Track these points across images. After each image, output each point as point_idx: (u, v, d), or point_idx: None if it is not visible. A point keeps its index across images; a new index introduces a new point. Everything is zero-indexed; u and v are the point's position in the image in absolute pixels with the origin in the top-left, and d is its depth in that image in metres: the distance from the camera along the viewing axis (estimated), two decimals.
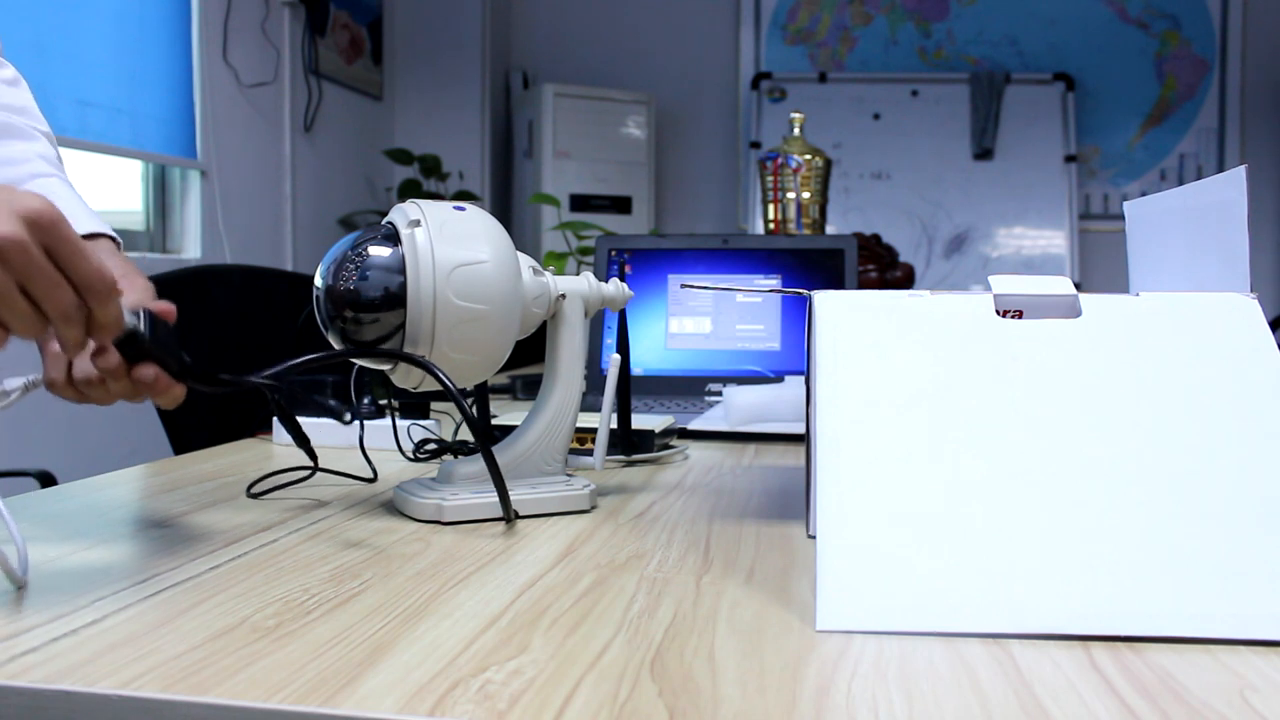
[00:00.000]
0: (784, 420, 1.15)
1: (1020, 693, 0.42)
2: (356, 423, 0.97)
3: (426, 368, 0.69)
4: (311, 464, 0.78)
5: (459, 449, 0.99)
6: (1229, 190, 0.66)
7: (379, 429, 1.04)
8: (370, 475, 0.88)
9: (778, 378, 1.31)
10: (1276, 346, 0.57)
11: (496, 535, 0.69)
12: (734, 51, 4.45)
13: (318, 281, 0.72)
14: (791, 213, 1.73)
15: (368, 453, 0.91)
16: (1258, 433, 0.54)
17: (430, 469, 0.94)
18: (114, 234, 0.80)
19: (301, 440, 0.72)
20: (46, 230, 0.52)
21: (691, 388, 1.43)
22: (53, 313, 0.53)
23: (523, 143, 4.26)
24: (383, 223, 0.73)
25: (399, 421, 1.00)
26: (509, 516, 0.72)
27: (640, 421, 1.01)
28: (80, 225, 0.76)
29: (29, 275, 0.52)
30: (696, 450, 1.07)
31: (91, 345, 0.58)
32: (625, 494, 0.84)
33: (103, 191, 2.81)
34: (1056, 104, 4.20)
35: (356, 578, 0.58)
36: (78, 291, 0.54)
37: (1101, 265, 4.22)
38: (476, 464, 0.74)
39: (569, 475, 0.79)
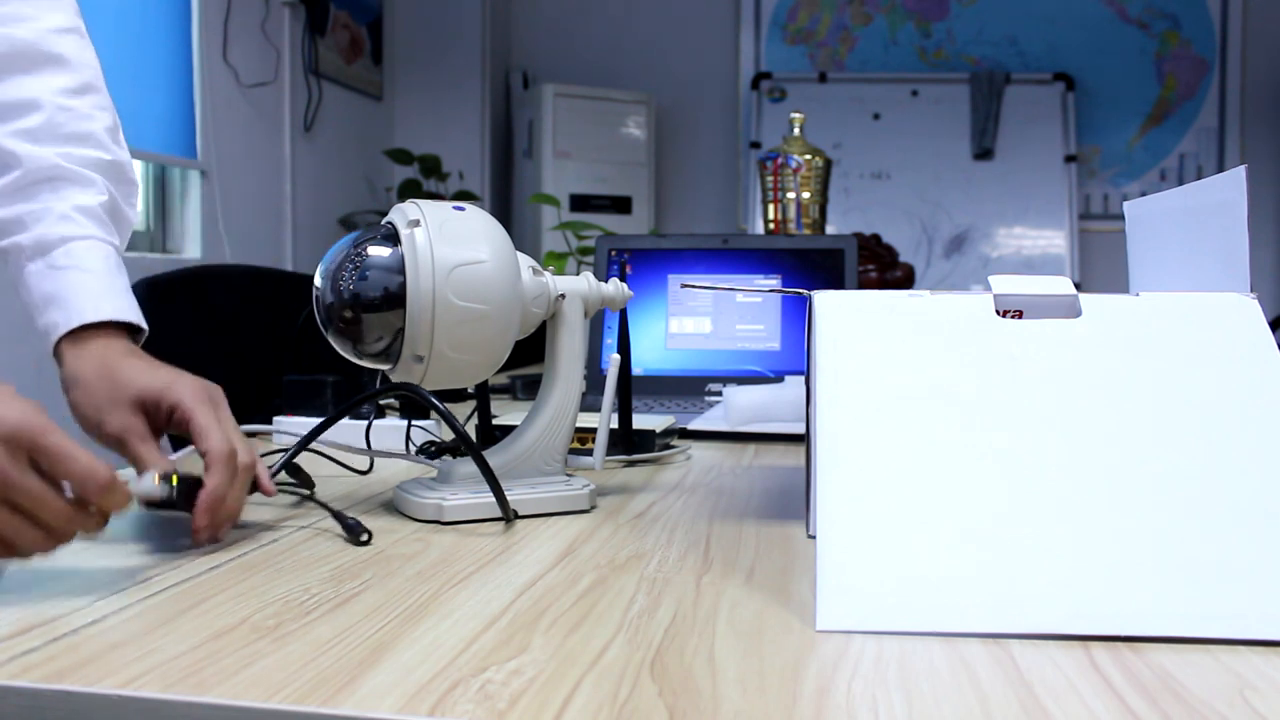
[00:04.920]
0: (784, 420, 1.15)
1: (1020, 693, 0.42)
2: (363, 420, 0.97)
3: (419, 394, 0.71)
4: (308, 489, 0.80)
5: (459, 449, 0.99)
6: (1229, 190, 0.66)
7: (380, 429, 1.03)
8: (365, 468, 0.90)
9: (778, 378, 1.31)
10: (1276, 346, 0.57)
11: (496, 535, 0.69)
12: (734, 51, 4.45)
13: (317, 281, 0.72)
14: (791, 213, 1.73)
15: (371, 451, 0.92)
16: (1258, 433, 0.54)
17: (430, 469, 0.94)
18: (134, 320, 0.76)
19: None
20: (27, 445, 0.52)
21: (691, 388, 1.43)
22: (47, 525, 0.54)
23: (523, 143, 4.26)
24: (382, 223, 0.73)
25: (398, 421, 1.00)
26: (508, 516, 0.72)
27: (640, 422, 1.01)
28: (86, 312, 0.73)
29: (11, 496, 0.52)
30: (696, 450, 1.07)
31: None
32: (625, 494, 0.84)
33: None
34: (1056, 104, 4.20)
35: (356, 578, 0.58)
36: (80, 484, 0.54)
37: (1101, 265, 4.21)
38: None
39: (569, 475, 0.79)
